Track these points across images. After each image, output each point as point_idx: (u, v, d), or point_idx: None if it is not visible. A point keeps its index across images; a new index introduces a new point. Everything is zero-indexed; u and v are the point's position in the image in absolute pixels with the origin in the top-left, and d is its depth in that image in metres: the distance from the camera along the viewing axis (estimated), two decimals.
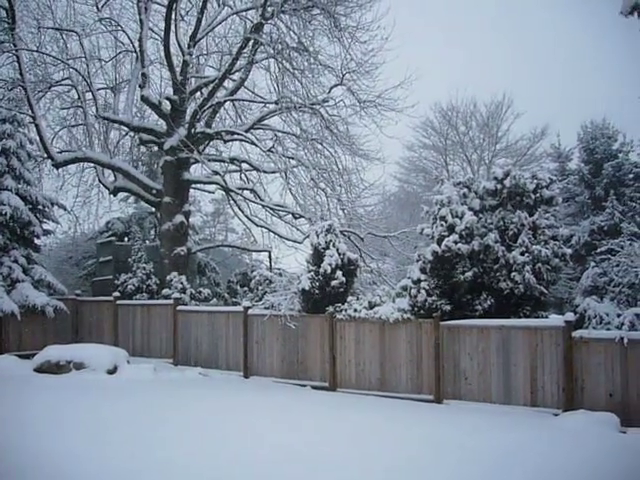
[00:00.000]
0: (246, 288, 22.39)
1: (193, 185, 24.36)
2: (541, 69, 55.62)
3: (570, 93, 51.26)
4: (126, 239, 26.37)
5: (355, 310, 15.46)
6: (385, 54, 22.29)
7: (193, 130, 21.91)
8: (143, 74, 21.91)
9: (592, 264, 16.92)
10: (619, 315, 13.49)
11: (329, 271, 15.91)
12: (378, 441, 10.11)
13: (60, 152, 23.53)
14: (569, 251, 15.35)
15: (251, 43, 21.16)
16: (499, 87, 51.21)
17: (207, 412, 12.09)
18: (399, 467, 8.62)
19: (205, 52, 25.13)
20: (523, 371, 13.10)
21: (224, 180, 22.54)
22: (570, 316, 12.93)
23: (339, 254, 16.20)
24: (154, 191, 22.92)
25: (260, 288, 19.77)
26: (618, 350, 11.97)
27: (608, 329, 13.09)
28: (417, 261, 15.22)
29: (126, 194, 27.27)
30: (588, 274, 16.21)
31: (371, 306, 15.44)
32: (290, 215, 23.40)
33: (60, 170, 23.89)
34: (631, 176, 31.69)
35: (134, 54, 23.89)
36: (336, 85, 22.81)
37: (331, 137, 22.98)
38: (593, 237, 29.11)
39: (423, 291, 14.54)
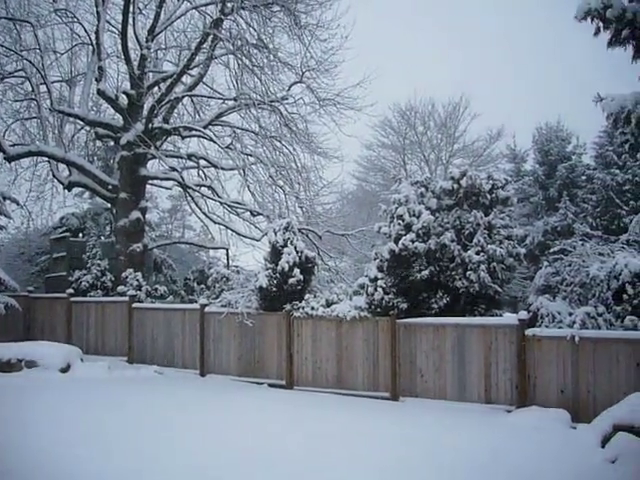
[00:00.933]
0: (203, 285, 22.21)
1: (150, 181, 24.07)
2: (497, 71, 56.40)
3: (526, 95, 52.16)
4: (81, 235, 25.93)
5: (312, 308, 15.48)
6: (345, 53, 22.28)
7: (150, 125, 21.64)
8: (100, 67, 21.57)
9: (545, 264, 17.19)
10: (571, 314, 13.74)
11: (287, 269, 15.90)
12: (334, 439, 10.14)
13: (13, 145, 23.00)
14: (523, 251, 15.64)
15: (210, 38, 20.99)
16: (457, 88, 51.71)
17: (160, 410, 11.97)
18: (352, 464, 8.67)
19: (163, 46, 24.82)
20: (477, 368, 13.28)
21: (181, 176, 22.33)
22: (523, 314, 13.17)
23: (297, 252, 16.20)
24: (110, 186, 22.59)
25: (217, 286, 19.64)
26: (569, 348, 12.22)
27: (560, 327, 13.32)
28: (374, 259, 15.30)
29: (81, 189, 26.81)
30: (541, 273, 16.45)
31: (328, 304, 15.47)
32: (248, 212, 23.28)
33: (13, 164, 23.34)
34: (583, 178, 32.39)
35: (90, 47, 23.47)
36: (296, 83, 22.79)
37: (290, 135, 22.93)
38: (547, 237, 29.68)
39: (380, 289, 14.63)
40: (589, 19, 7.85)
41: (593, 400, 11.86)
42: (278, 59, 22.25)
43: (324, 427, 10.99)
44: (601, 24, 7.85)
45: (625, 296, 13.83)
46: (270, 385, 15.80)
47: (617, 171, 30.37)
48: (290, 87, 22.81)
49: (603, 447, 9.38)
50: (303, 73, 22.43)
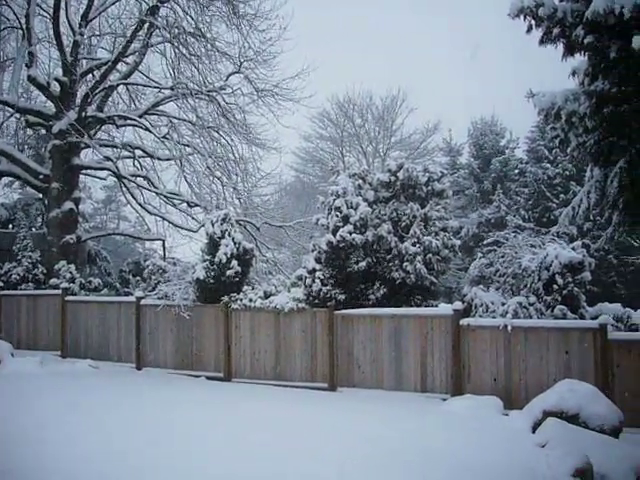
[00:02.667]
0: (139, 278, 21.83)
1: (83, 171, 23.49)
2: (434, 66, 57.15)
3: (462, 90, 53.08)
4: (10, 226, 25.10)
5: (250, 300, 15.43)
6: (283, 44, 22.30)
7: (84, 114, 21.11)
8: (30, 53, 20.88)
9: (479, 255, 17.56)
10: (504, 304, 14.10)
11: (224, 260, 15.80)
12: (266, 430, 10.14)
13: None
14: (458, 242, 15.96)
15: (146, 26, 20.59)
16: (394, 81, 52.27)
17: (93, 405, 11.73)
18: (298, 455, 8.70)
19: (98, 33, 24.18)
20: (414, 358, 13.50)
21: (116, 166, 21.88)
22: (458, 305, 13.45)
23: (235, 243, 16.11)
24: (41, 176, 21.95)
25: (153, 278, 19.33)
26: (502, 337, 12.56)
27: (493, 317, 13.66)
28: (312, 251, 15.36)
29: (10, 179, 25.97)
30: (475, 265, 16.81)
31: (266, 296, 15.45)
32: (185, 203, 23.00)
33: None
34: (516, 171, 33.22)
35: (20, 31, 22.68)
36: (233, 73, 22.59)
37: (228, 125, 22.73)
38: (481, 229, 30.34)
39: (318, 281, 14.70)
40: (522, 17, 8.04)
41: (525, 387, 12.23)
42: (216, 49, 21.99)
43: (258, 418, 10.98)
44: (533, 22, 8.05)
45: (555, 286, 14.27)
46: (208, 378, 15.68)
47: (548, 165, 31.26)
48: (228, 77, 22.60)
49: (534, 432, 9.68)
50: (241, 63, 22.25)
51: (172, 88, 21.90)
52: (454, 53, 59.68)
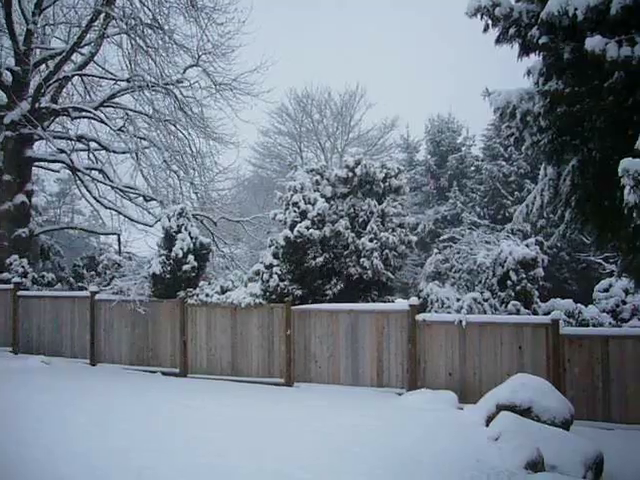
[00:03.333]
0: (93, 272, 21.49)
1: (36, 163, 22.98)
2: (393, 62, 57.54)
3: (419, 87, 53.53)
4: None
5: (207, 295, 15.34)
6: (242, 37, 22.18)
7: (37, 105, 20.66)
8: None
9: (435, 251, 17.76)
10: (459, 299, 14.29)
11: (181, 255, 15.68)
12: (217, 425, 10.12)
13: None
14: (415, 238, 16.11)
15: (102, 16, 20.21)
16: (353, 77, 52.46)
17: (44, 402, 11.53)
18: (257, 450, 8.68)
19: (52, 22, 23.66)
20: (370, 353, 13.59)
21: (70, 159, 21.47)
22: (414, 300, 13.59)
23: (191, 238, 16.00)
24: None
25: (108, 272, 19.08)
26: (457, 332, 12.73)
27: (449, 312, 13.83)
28: (270, 246, 15.34)
29: None
30: (431, 260, 17.00)
31: (223, 291, 15.38)
32: (141, 197, 22.71)
33: None
34: (472, 169, 33.64)
35: None
36: (191, 66, 22.34)
37: (185, 119, 22.49)
38: (437, 225, 30.66)
39: (275, 276, 14.69)
40: (479, 16, 8.12)
41: (479, 381, 12.42)
42: (174, 41, 21.72)
43: (211, 413, 10.94)
44: (490, 21, 8.13)
45: (509, 282, 14.53)
46: (164, 373, 15.54)
47: (503, 163, 31.72)
48: (185, 70, 22.34)
49: (487, 426, 9.83)
50: (199, 56, 22.02)
51: (128, 80, 21.56)
52: (412, 50, 60.10)
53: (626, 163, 5.95)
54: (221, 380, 14.78)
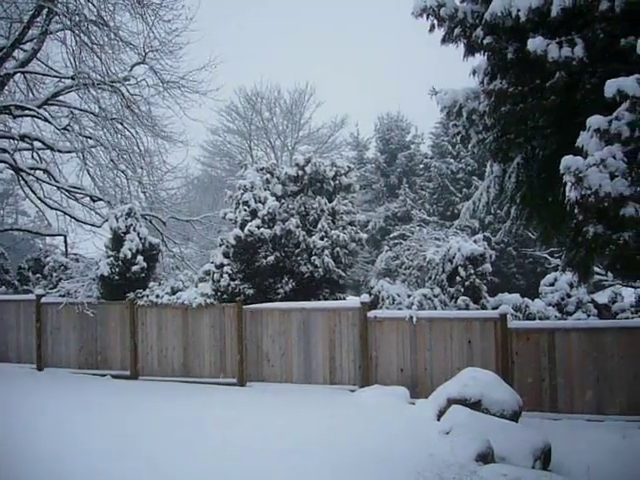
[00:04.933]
0: (39, 275, 21.02)
1: None
2: (342, 60, 57.77)
3: (369, 85, 53.86)
4: None
5: (157, 296, 15.18)
6: (190, 35, 21.80)
7: None
8: None
9: (386, 248, 17.96)
10: (409, 295, 14.46)
11: (129, 256, 15.48)
12: (169, 426, 10.04)
13: None
14: (365, 236, 16.22)
15: (45, 12, 19.75)
16: (303, 76, 52.51)
17: None
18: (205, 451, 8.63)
19: None
20: (322, 351, 13.64)
21: (13, 159, 20.92)
22: (366, 297, 13.69)
23: (140, 238, 15.81)
24: None
25: (55, 275, 18.67)
26: (408, 328, 12.87)
27: (400, 309, 13.97)
28: (220, 246, 15.26)
29: None
30: (382, 258, 17.19)
31: (174, 291, 15.23)
32: (88, 198, 22.27)
33: None
34: (421, 166, 34.07)
35: None
36: (138, 63, 21.99)
37: (132, 117, 22.12)
38: (387, 223, 30.95)
39: (226, 275, 14.62)
40: (425, 16, 8.23)
41: (430, 376, 12.59)
42: (119, 38, 21.32)
43: (161, 414, 10.86)
44: (436, 22, 8.25)
45: (458, 278, 14.76)
46: (114, 376, 15.31)
47: (452, 160, 32.20)
48: (132, 67, 21.98)
49: (439, 420, 9.98)
50: (146, 54, 21.69)
51: (73, 78, 21.09)
52: (362, 49, 60.42)
53: (568, 161, 6.10)
54: (173, 382, 14.64)
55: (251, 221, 14.79)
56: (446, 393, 10.41)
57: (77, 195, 22.24)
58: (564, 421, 11.34)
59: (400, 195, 31.80)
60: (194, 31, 22.01)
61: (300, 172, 15.76)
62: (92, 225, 21.72)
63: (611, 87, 6.07)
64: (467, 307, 14.41)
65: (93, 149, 22.05)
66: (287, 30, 59.29)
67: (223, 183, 33.88)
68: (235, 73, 30.64)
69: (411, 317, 12.82)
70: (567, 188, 6.12)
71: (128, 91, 21.92)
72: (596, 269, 10.02)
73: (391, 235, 24.72)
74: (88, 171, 21.83)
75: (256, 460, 8.29)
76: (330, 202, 15.71)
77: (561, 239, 9.19)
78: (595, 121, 6.23)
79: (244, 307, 14.37)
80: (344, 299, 15.39)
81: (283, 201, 15.77)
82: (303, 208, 15.73)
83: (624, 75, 6.18)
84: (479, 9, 8.10)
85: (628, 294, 16.43)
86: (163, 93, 22.40)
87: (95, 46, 20.70)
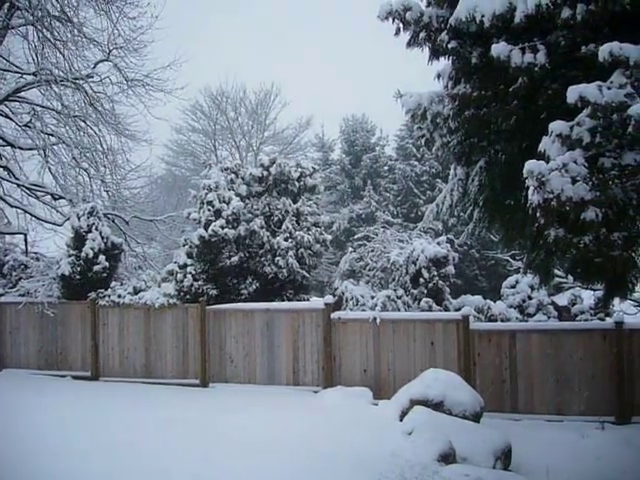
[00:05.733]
0: None
1: None
2: (309, 62, 57.80)
3: (335, 87, 53.98)
4: None
5: (119, 296, 15.00)
6: (155, 33, 21.55)
7: None
8: None
9: (350, 249, 18.02)
10: (373, 297, 14.55)
11: (91, 255, 15.28)
12: (124, 428, 9.94)
13: None
14: (329, 237, 16.27)
15: (6, 6, 19.40)
16: (268, 77, 52.39)
17: None
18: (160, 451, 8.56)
19: None
20: (286, 352, 13.62)
21: None
22: (329, 299, 13.71)
23: (102, 238, 15.62)
24: None
25: (14, 274, 18.30)
26: (371, 329, 12.93)
27: (363, 310, 14.04)
28: (184, 246, 15.16)
29: None
30: (346, 259, 17.23)
31: (136, 291, 15.08)
32: (49, 196, 21.92)
33: None
34: (386, 168, 34.25)
35: None
36: (102, 60, 21.72)
37: (96, 115, 21.83)
38: (352, 224, 31.07)
39: (189, 276, 14.52)
40: (390, 19, 8.27)
41: (393, 377, 12.66)
42: (83, 34, 21.03)
43: (118, 415, 10.75)
44: (401, 25, 8.30)
45: (421, 280, 14.89)
46: (75, 377, 15.09)
47: (416, 163, 32.48)
48: (96, 65, 21.69)
49: (401, 421, 10.03)
50: (110, 51, 21.42)
51: (35, 74, 20.75)
52: (329, 51, 60.58)
53: (531, 165, 6.18)
54: (135, 383, 14.48)
55: (215, 221, 14.72)
56: (409, 394, 10.47)
57: (38, 193, 21.86)
58: (524, 421, 11.51)
59: (365, 197, 31.93)
60: (159, 29, 21.81)
61: (265, 173, 15.75)
62: (53, 224, 21.36)
63: (573, 93, 6.16)
64: (430, 309, 14.54)
65: (55, 147, 21.69)
66: (254, 30, 59.15)
67: (187, 183, 33.64)
68: (201, 72, 30.49)
69: (374, 318, 12.88)
70: (530, 192, 6.20)
71: (91, 88, 21.64)
72: (556, 272, 10.19)
73: (355, 236, 24.83)
74: (50, 169, 21.48)
75: (219, 461, 8.24)
76: (295, 203, 15.71)
77: (522, 242, 9.32)
78: (557, 126, 6.32)
79: (207, 307, 14.28)
80: (308, 300, 15.41)
81: (247, 201, 15.73)
82: (267, 209, 15.70)
83: (585, 82, 6.29)
84: (444, 14, 8.16)
85: (587, 296, 16.72)
86: (127, 91, 22.14)
87: (58, 42, 20.39)
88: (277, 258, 15.06)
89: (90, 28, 21.29)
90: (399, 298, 14.68)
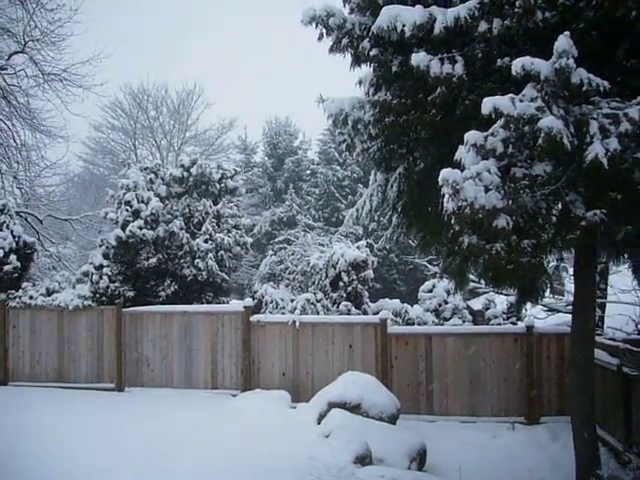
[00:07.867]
0: None
1: None
2: (233, 63, 57.46)
3: (258, 89, 53.83)
4: None
5: (31, 297, 14.50)
6: (74, 26, 20.96)
7: None
8: None
9: (271, 252, 18.01)
10: (293, 300, 14.58)
11: (2, 255, 14.72)
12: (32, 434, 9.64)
13: None
14: (250, 240, 16.22)
15: None
16: (191, 76, 51.75)
17: None
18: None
19: None
20: (204, 355, 13.49)
21: None
22: (249, 302, 13.66)
23: (14, 237, 15.07)
24: None
25: None
26: (291, 333, 12.96)
27: (283, 313, 14.05)
28: (100, 246, 14.80)
29: None
30: (267, 262, 17.24)
31: (49, 293, 14.62)
32: None
33: None
34: (308, 172, 34.38)
35: None
36: (17, 52, 20.96)
37: (9, 108, 21.07)
38: (273, 227, 31.00)
39: (105, 277, 14.20)
40: (314, 24, 8.32)
41: (312, 380, 12.73)
42: None
43: (29, 420, 10.40)
44: (324, 31, 8.35)
45: (341, 283, 15.02)
46: None
47: (338, 167, 32.74)
48: (10, 56, 20.93)
49: (319, 423, 10.11)
50: (26, 43, 20.71)
51: None
52: (252, 53, 60.37)
53: (446, 173, 6.33)
54: (47, 387, 14.01)
55: (133, 222, 14.44)
56: (327, 397, 10.56)
57: None
58: (439, 423, 11.79)
59: (286, 200, 31.93)
60: (79, 22, 21.24)
61: (185, 173, 15.57)
62: None
63: (487, 104, 6.35)
64: (349, 312, 14.68)
65: None
66: (177, 28, 58.32)
67: (105, 182, 32.82)
68: (121, 69, 29.88)
69: (294, 322, 12.91)
70: (445, 199, 6.34)
71: (5, 81, 20.87)
72: (471, 277, 10.46)
73: (276, 239, 24.83)
74: None
75: (130, 465, 8.08)
76: (215, 205, 15.60)
77: (439, 247, 9.53)
78: (472, 136, 6.49)
79: (124, 310, 13.98)
80: (227, 303, 15.31)
81: (167, 202, 15.50)
82: (188, 210, 15.52)
83: (500, 93, 6.49)
84: (367, 21, 8.26)
85: (500, 301, 17.26)
86: (43, 85, 21.46)
87: None
88: (197, 260, 14.90)
89: (4, 17, 20.53)
90: (319, 301, 14.76)
